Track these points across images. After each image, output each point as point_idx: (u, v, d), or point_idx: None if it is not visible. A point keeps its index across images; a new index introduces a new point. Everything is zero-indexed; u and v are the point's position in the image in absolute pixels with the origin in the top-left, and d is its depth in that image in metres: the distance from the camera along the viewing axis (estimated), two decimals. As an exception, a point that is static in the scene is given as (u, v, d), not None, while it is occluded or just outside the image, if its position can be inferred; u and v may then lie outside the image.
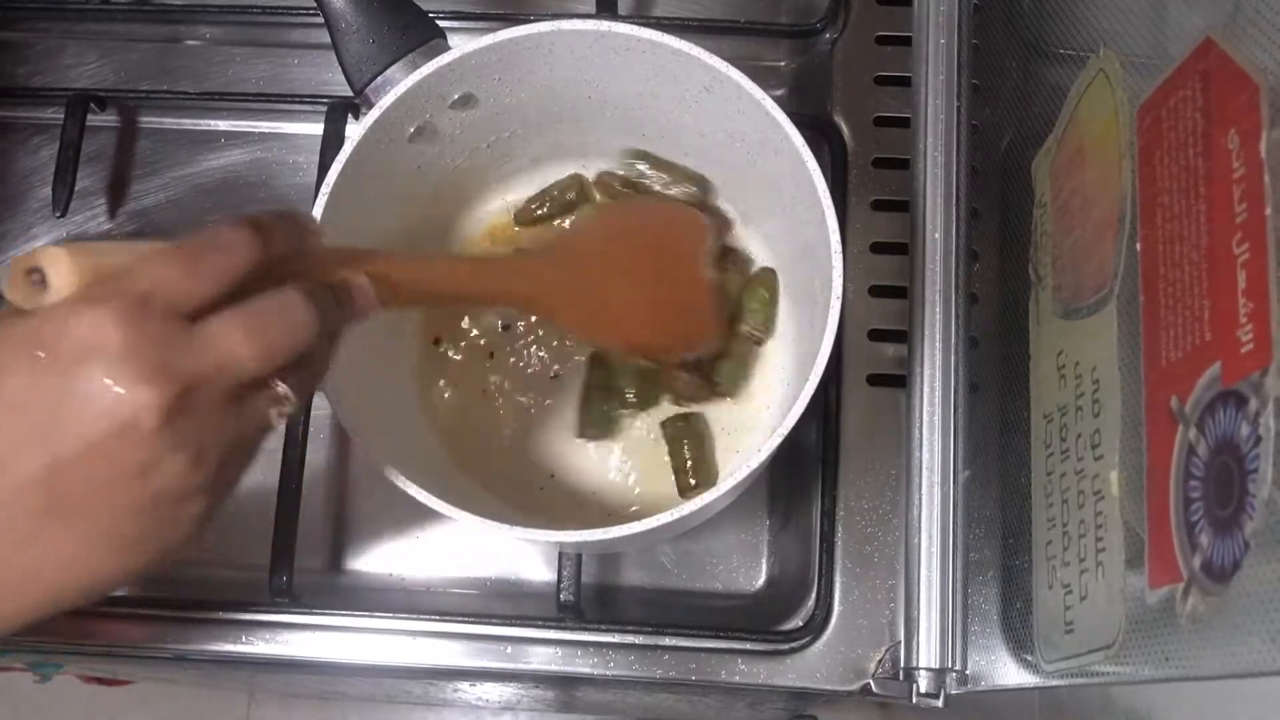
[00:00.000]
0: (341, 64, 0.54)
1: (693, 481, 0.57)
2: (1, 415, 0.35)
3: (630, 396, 0.58)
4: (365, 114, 0.51)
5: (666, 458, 0.58)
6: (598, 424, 0.58)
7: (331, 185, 0.50)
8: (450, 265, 0.53)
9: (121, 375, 0.34)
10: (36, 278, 0.35)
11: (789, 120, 0.50)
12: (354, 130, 0.51)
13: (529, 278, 0.53)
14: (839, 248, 0.48)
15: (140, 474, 0.35)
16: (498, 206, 0.62)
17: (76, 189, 0.65)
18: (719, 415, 0.59)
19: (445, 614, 0.58)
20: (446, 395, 0.60)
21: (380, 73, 0.53)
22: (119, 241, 0.40)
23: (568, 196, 0.61)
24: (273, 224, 0.39)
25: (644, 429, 0.59)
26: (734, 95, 0.51)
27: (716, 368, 0.58)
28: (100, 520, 0.36)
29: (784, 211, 0.54)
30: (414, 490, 0.47)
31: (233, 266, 0.37)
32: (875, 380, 0.61)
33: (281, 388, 0.38)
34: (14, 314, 0.36)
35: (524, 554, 0.63)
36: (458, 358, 0.60)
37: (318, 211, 0.50)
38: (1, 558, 0.36)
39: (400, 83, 0.51)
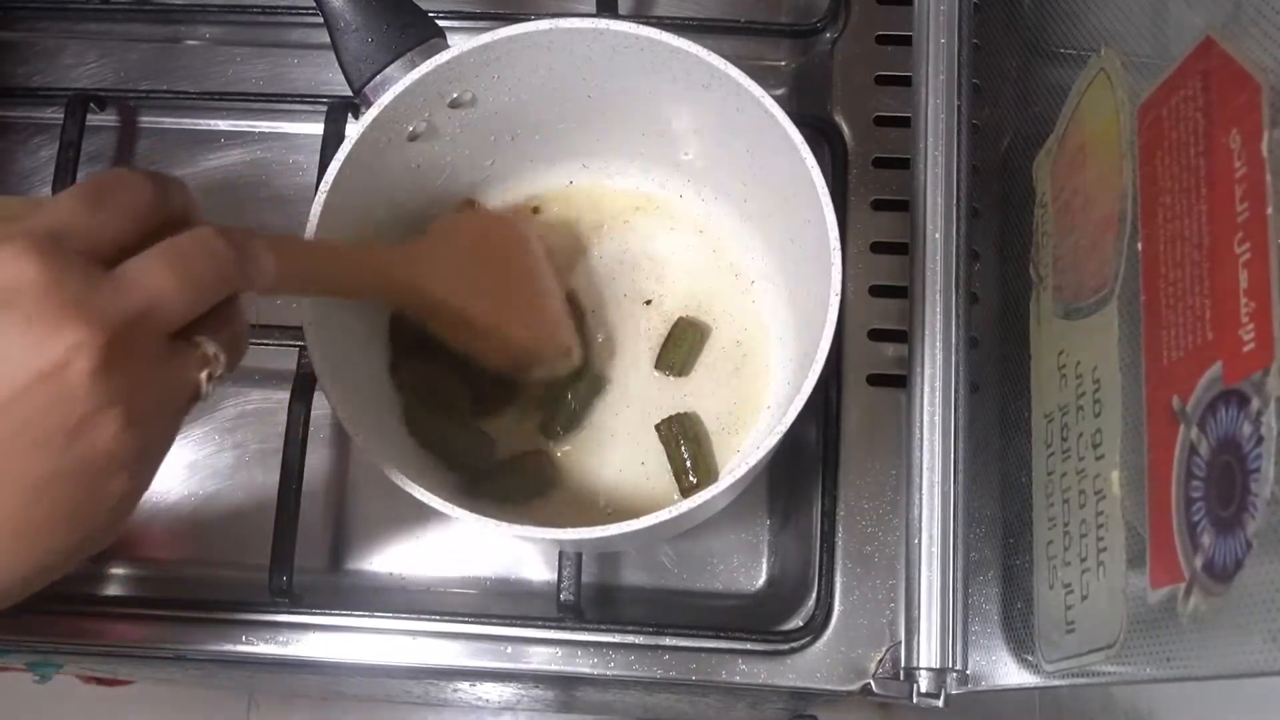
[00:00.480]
0: (340, 63, 0.54)
1: (693, 480, 0.57)
2: None
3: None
4: (364, 113, 0.51)
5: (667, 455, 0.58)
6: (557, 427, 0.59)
7: (330, 184, 0.50)
8: (334, 252, 0.48)
9: (45, 316, 0.30)
10: None
11: (788, 119, 0.50)
12: (353, 129, 0.51)
13: (413, 267, 0.50)
14: (838, 246, 0.48)
15: (68, 433, 0.31)
16: (496, 206, 0.62)
17: (76, 189, 0.65)
18: (719, 414, 0.59)
19: (445, 614, 0.58)
20: (446, 395, 0.60)
21: (379, 71, 0.53)
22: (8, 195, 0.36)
23: None
24: (165, 178, 0.36)
25: (644, 428, 0.59)
26: (733, 94, 0.51)
27: (666, 354, 0.59)
28: (15, 494, 0.31)
29: (784, 210, 0.54)
30: (415, 490, 0.47)
31: (138, 204, 0.34)
32: (875, 380, 0.61)
33: (211, 347, 0.35)
34: None
35: (524, 554, 0.63)
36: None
37: (316, 209, 0.49)
38: None
39: (399, 81, 0.51)
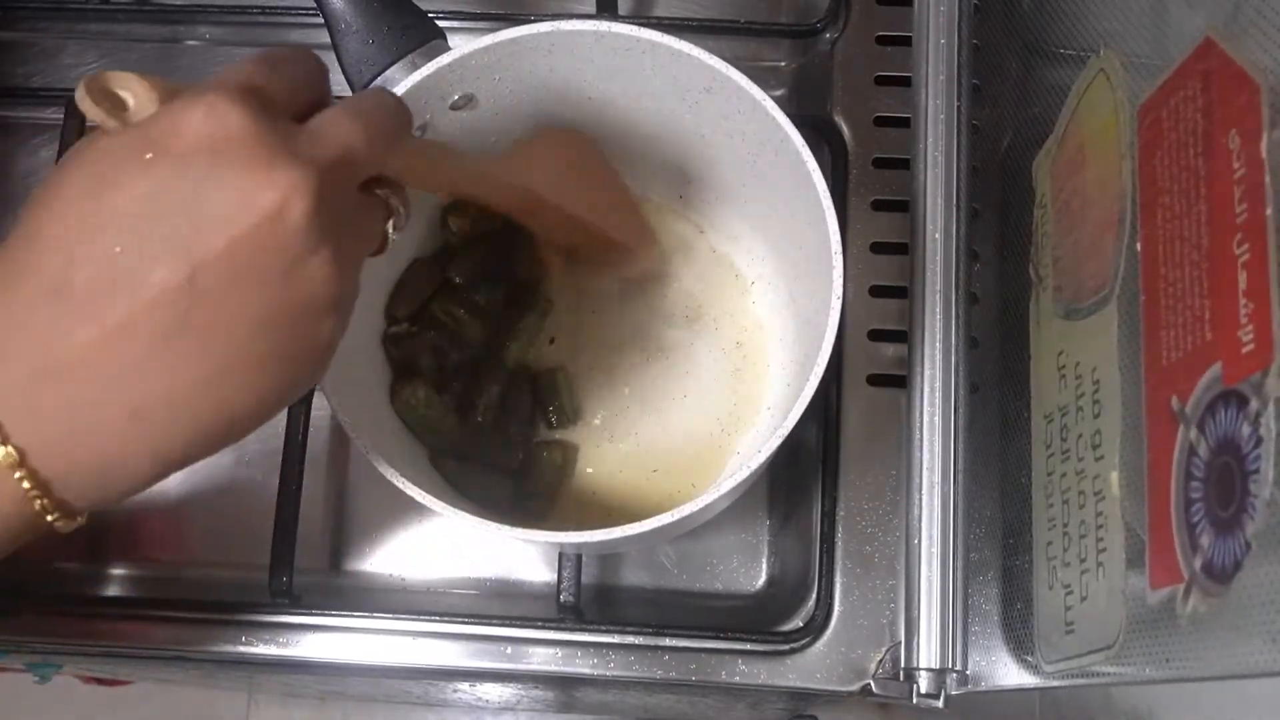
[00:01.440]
0: (341, 64, 0.54)
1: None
2: (126, 229, 0.31)
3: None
4: (365, 114, 0.51)
5: (667, 456, 0.58)
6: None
7: (331, 185, 0.50)
8: (455, 151, 0.51)
9: (259, 160, 0.31)
10: (111, 103, 0.33)
11: (789, 121, 0.50)
12: (354, 130, 0.51)
13: (519, 172, 0.53)
14: (839, 249, 0.48)
15: (284, 274, 0.32)
16: (498, 207, 0.62)
17: (76, 189, 0.65)
18: (719, 415, 0.59)
19: (445, 614, 0.58)
20: (446, 395, 0.60)
21: (380, 73, 0.53)
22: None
23: None
24: (317, 59, 0.37)
25: (644, 426, 0.59)
26: (734, 96, 0.51)
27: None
28: (237, 334, 0.32)
29: (784, 212, 0.54)
30: (415, 492, 0.47)
31: (311, 73, 0.36)
32: (875, 380, 0.61)
33: (394, 200, 0.37)
34: (100, 133, 0.33)
35: (524, 554, 0.63)
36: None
37: None
38: (129, 386, 0.32)
39: (400, 83, 0.51)
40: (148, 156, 0.31)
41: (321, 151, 0.33)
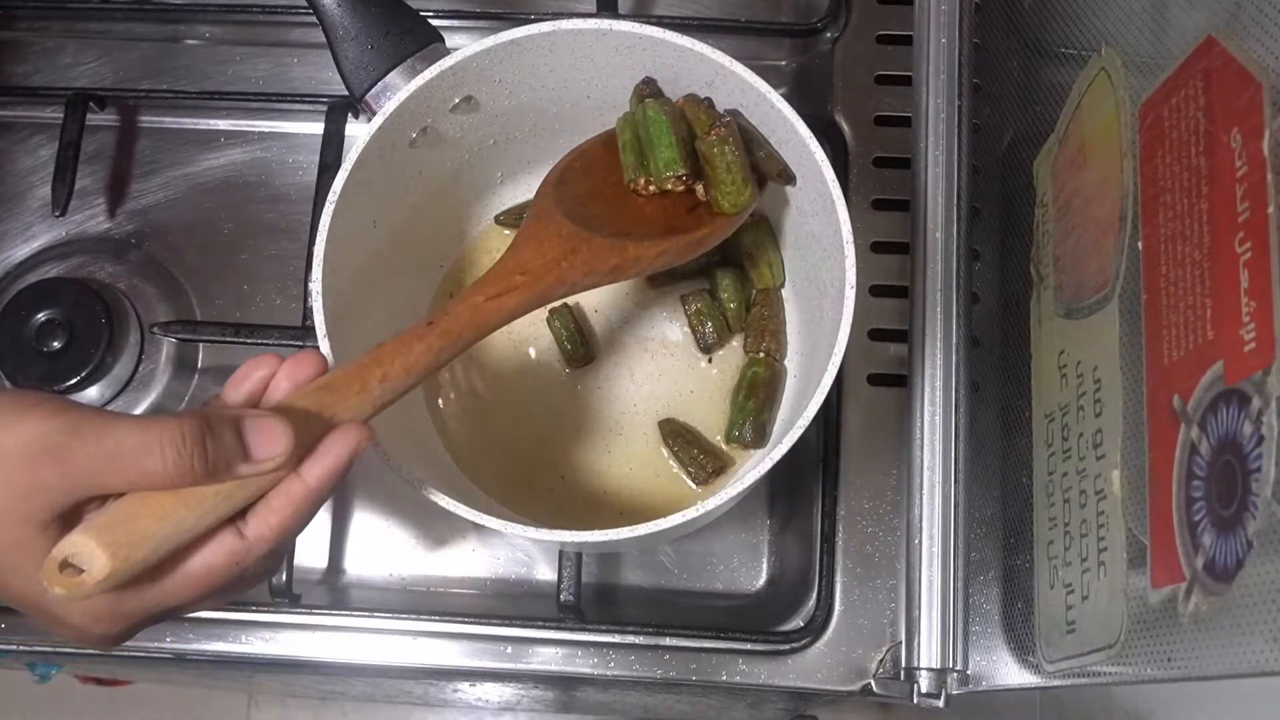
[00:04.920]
0: (340, 71, 0.53)
1: (709, 470, 0.57)
2: None
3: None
4: (365, 118, 0.51)
5: (673, 455, 0.58)
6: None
7: (338, 193, 0.49)
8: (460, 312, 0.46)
9: None
10: (71, 571, 0.37)
11: (794, 112, 0.49)
12: (356, 131, 0.51)
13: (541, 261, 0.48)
14: (850, 237, 0.48)
15: None
16: (499, 206, 0.62)
17: (76, 188, 0.65)
18: (727, 413, 0.59)
19: (445, 614, 0.58)
20: (455, 399, 0.60)
21: (379, 79, 0.53)
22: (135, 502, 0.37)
23: None
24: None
25: (648, 425, 0.59)
26: (738, 90, 0.51)
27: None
28: None
29: (789, 205, 0.54)
30: (437, 497, 0.46)
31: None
32: (876, 380, 0.61)
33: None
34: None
35: (524, 554, 0.63)
36: (464, 361, 0.60)
37: (325, 221, 0.49)
38: None
39: (402, 89, 0.51)
40: None
41: None
